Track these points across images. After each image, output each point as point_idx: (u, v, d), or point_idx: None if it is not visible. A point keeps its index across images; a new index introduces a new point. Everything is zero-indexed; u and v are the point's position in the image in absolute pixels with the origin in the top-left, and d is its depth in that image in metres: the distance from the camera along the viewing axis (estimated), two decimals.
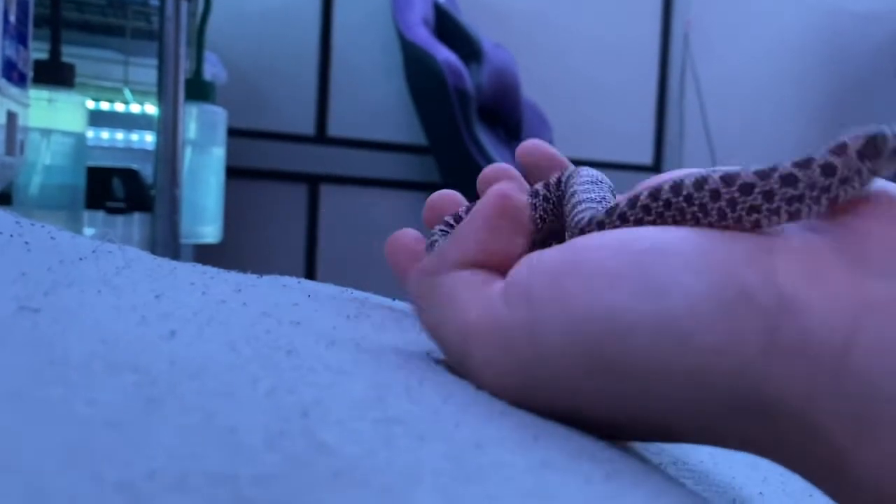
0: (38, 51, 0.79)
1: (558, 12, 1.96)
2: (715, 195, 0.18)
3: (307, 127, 1.82)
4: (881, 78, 2.15)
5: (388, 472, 0.12)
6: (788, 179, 0.18)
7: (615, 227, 0.20)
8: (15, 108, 0.68)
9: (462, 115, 1.51)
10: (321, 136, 1.82)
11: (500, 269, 0.20)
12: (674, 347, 0.16)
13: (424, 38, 1.58)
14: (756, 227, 0.18)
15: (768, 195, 0.18)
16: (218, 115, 1.03)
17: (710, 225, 0.18)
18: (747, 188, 0.18)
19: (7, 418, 0.13)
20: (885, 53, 2.16)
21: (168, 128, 0.84)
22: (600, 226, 0.20)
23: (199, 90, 0.98)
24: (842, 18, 2.14)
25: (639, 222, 0.19)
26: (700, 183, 0.19)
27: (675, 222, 0.19)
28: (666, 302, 0.17)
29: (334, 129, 1.83)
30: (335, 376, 0.17)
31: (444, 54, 1.53)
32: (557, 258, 0.19)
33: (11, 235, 0.24)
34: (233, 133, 1.15)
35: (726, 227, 0.18)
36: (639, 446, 0.23)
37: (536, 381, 0.18)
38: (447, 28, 1.68)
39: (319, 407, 0.14)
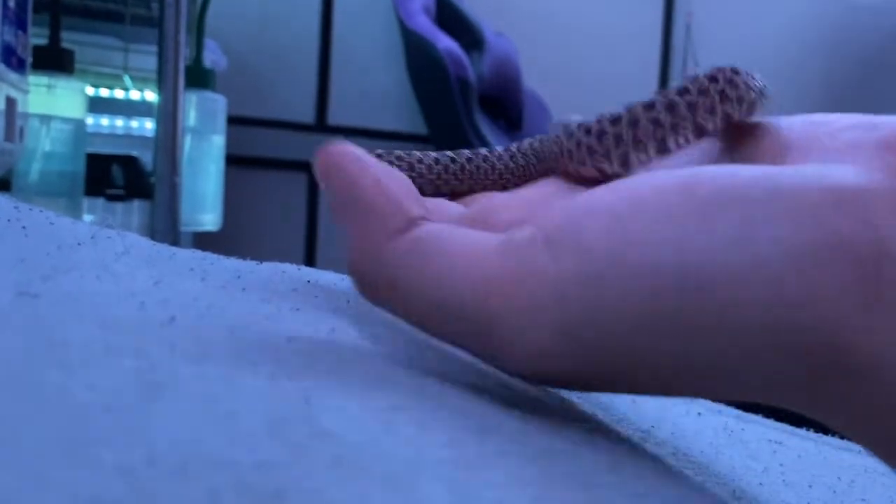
0: (38, 36, 0.79)
1: (560, 1, 1.95)
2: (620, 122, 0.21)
3: (307, 115, 1.82)
4: (884, 70, 2.15)
5: (390, 460, 0.12)
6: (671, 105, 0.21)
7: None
8: (14, 93, 0.68)
9: (463, 105, 1.51)
10: (321, 125, 1.82)
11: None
12: (759, 302, 0.15)
13: (426, 26, 1.58)
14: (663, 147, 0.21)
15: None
16: (218, 103, 1.02)
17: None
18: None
19: (5, 403, 0.13)
20: (888, 45, 2.16)
21: (168, 115, 0.84)
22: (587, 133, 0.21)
23: (199, 77, 0.98)
24: (845, 11, 2.13)
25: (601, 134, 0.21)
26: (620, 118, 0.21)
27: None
28: (749, 251, 0.15)
29: (334, 117, 1.83)
30: (336, 363, 0.17)
31: (445, 43, 1.53)
32: (609, 200, 0.16)
33: (9, 220, 0.24)
34: (233, 121, 1.15)
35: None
36: (639, 437, 0.23)
37: (585, 345, 0.16)
38: (448, 16, 1.67)
39: (321, 393, 0.14)
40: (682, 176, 0.16)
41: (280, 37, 1.78)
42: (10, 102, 0.66)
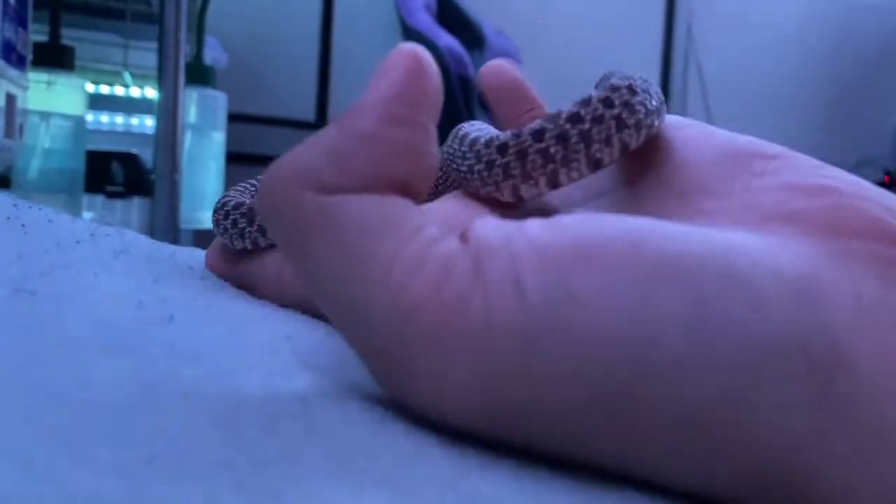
0: (38, 33, 0.79)
1: (561, 1, 1.95)
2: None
3: (307, 113, 1.82)
4: (884, 70, 2.15)
5: (387, 459, 0.12)
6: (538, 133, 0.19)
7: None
8: (14, 90, 0.68)
9: (464, 102, 1.51)
10: (322, 122, 1.82)
11: (413, 192, 0.15)
12: (706, 396, 0.13)
13: (426, 24, 1.58)
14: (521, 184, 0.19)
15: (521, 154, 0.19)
16: (218, 100, 1.02)
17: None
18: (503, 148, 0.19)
19: (3, 400, 0.13)
20: (889, 46, 2.16)
21: (168, 112, 0.84)
22: (501, 149, 0.19)
23: (200, 74, 0.98)
24: (846, 11, 2.13)
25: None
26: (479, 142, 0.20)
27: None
28: (700, 339, 0.13)
29: (335, 115, 1.83)
30: (334, 363, 0.17)
31: (446, 41, 1.53)
32: (549, 239, 0.14)
33: (8, 217, 0.24)
34: (233, 118, 1.15)
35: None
36: None
37: (518, 407, 0.13)
38: (449, 14, 1.67)
39: (317, 392, 0.14)
40: (629, 229, 0.14)
41: (280, 34, 1.78)
42: (10, 99, 0.66)
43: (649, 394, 0.13)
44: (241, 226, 0.23)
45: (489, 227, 0.15)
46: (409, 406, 0.14)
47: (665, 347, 0.13)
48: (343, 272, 0.14)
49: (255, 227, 0.23)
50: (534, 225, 0.14)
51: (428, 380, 0.13)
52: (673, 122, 0.20)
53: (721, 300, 0.13)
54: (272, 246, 0.23)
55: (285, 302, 0.22)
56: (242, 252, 0.24)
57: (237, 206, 0.24)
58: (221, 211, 0.25)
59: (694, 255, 0.14)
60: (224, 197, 0.25)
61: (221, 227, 0.24)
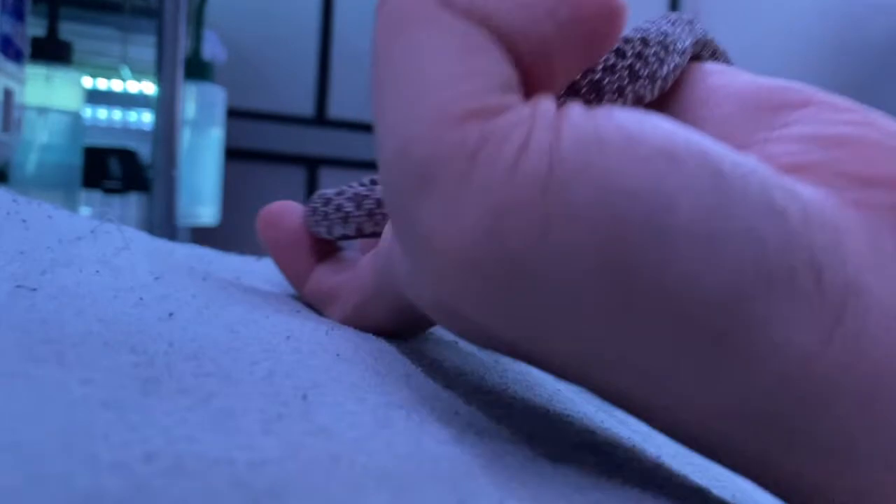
0: (36, 27, 0.79)
1: None
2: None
3: (307, 109, 1.81)
4: (891, 69, 2.15)
5: (388, 458, 0.12)
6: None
7: None
8: (11, 84, 0.67)
9: None
10: (321, 119, 1.82)
11: (521, 47, 0.14)
12: (721, 288, 0.12)
13: None
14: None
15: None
16: (217, 95, 1.02)
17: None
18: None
19: (2, 397, 0.13)
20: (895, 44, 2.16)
21: (166, 107, 0.84)
22: None
23: (198, 69, 0.98)
24: (851, 9, 2.13)
25: None
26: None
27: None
28: (728, 238, 0.12)
29: (334, 111, 1.83)
30: (334, 362, 0.16)
31: None
32: (598, 113, 0.13)
33: (8, 213, 0.24)
34: (231, 113, 1.15)
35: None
36: (640, 439, 0.23)
37: (524, 269, 0.13)
38: None
39: (318, 391, 0.14)
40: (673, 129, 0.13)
41: (280, 29, 1.77)
42: (8, 93, 0.66)
43: (655, 266, 0.12)
44: (346, 210, 0.23)
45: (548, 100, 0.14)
46: (409, 264, 0.14)
47: (681, 216, 0.12)
48: (408, 87, 0.14)
49: (364, 212, 0.23)
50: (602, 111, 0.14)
51: (442, 214, 0.13)
52: (701, 69, 0.19)
53: (743, 200, 0.13)
54: (375, 234, 0.23)
55: (362, 319, 0.22)
56: (332, 259, 0.24)
57: (341, 192, 0.23)
58: (320, 199, 0.24)
59: (727, 158, 0.13)
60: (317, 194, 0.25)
61: (320, 213, 0.23)
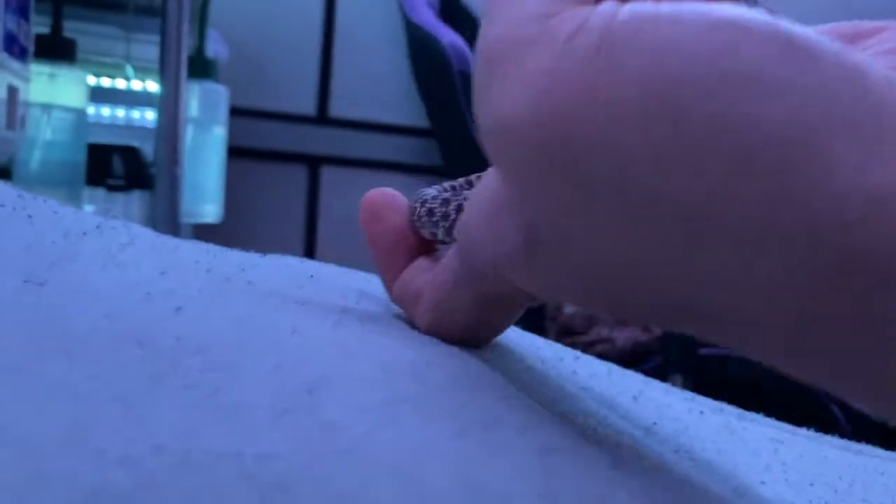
0: (40, 25, 0.79)
1: None
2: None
3: (309, 107, 1.81)
4: None
5: (395, 451, 0.12)
6: None
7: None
8: (16, 82, 0.67)
9: (465, 99, 1.50)
10: (323, 117, 1.82)
11: None
12: (784, 121, 0.12)
13: (429, 20, 1.58)
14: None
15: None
16: (219, 94, 1.02)
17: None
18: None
19: (9, 393, 0.13)
20: None
21: (169, 105, 0.84)
22: None
23: (201, 68, 0.98)
24: (860, 12, 2.13)
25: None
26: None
27: None
28: (796, 75, 0.12)
29: (336, 110, 1.83)
30: (341, 356, 0.16)
31: (448, 37, 1.53)
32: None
33: (14, 208, 0.24)
34: (234, 112, 1.15)
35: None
36: (641, 434, 0.23)
37: (579, 134, 0.13)
38: (452, 10, 1.67)
39: (325, 385, 0.14)
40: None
41: (283, 28, 1.77)
42: (12, 91, 0.66)
43: (713, 111, 0.12)
44: (453, 218, 0.22)
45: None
46: (484, 125, 0.15)
47: (743, 57, 0.12)
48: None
49: None
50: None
51: (506, 92, 0.14)
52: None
53: (814, 53, 0.13)
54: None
55: (443, 317, 0.21)
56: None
57: (446, 201, 0.23)
58: (438, 199, 0.23)
59: (797, 29, 0.13)
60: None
61: (439, 213, 0.23)
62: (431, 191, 0.24)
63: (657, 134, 0.13)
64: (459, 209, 0.22)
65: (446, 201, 0.23)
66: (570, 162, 0.13)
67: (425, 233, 0.23)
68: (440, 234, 0.23)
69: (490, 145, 0.15)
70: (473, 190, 0.20)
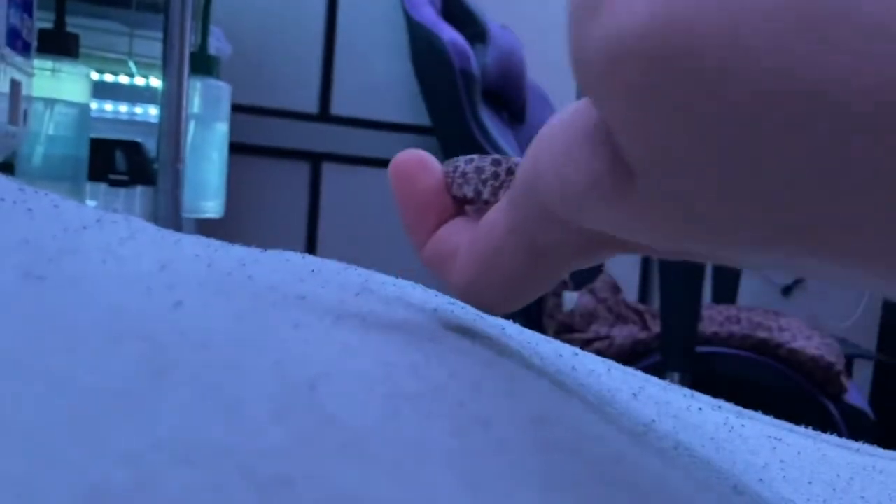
0: (43, 20, 0.79)
1: None
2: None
3: (310, 105, 1.82)
4: None
5: (396, 447, 0.12)
6: None
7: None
8: (19, 76, 0.67)
9: (466, 97, 1.50)
10: (324, 115, 1.82)
11: None
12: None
13: (430, 18, 1.58)
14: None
15: None
16: (222, 90, 1.02)
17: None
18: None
19: (10, 387, 0.13)
20: None
21: (172, 101, 0.84)
22: None
23: (204, 64, 0.98)
24: None
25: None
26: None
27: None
28: None
29: (338, 107, 1.83)
30: (341, 352, 0.16)
31: (449, 35, 1.53)
32: None
33: (14, 202, 0.24)
34: (236, 109, 1.15)
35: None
36: (641, 431, 0.23)
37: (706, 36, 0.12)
38: (453, 8, 1.67)
39: (326, 381, 0.14)
40: None
41: (285, 26, 1.78)
42: (15, 85, 0.66)
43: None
44: (500, 175, 0.22)
45: None
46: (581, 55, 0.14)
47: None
48: None
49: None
50: None
51: (611, 24, 0.13)
52: None
53: None
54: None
55: (489, 272, 0.21)
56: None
57: (481, 165, 0.23)
58: (486, 159, 0.23)
59: None
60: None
61: (489, 172, 0.23)
62: (465, 158, 0.24)
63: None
64: (510, 171, 0.22)
65: (497, 161, 0.23)
66: (694, 73, 0.13)
67: (468, 190, 0.23)
68: (486, 193, 0.22)
69: (594, 70, 0.14)
70: (542, 132, 0.19)
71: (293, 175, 1.80)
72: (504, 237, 0.21)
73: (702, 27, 0.12)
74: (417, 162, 0.24)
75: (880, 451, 0.34)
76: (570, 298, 1.47)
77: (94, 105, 0.88)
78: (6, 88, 0.65)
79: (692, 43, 0.12)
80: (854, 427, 1.24)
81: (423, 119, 1.74)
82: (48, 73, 0.80)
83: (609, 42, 0.13)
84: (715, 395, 0.34)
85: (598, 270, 1.63)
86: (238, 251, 0.26)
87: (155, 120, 0.93)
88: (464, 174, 0.23)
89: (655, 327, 1.41)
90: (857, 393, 1.36)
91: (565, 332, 1.44)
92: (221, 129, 1.03)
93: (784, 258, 0.15)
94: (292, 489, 0.11)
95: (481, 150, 1.47)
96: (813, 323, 1.56)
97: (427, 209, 0.24)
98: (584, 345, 1.36)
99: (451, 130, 1.58)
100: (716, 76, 0.12)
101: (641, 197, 0.16)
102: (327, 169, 1.80)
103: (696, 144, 0.13)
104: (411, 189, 0.24)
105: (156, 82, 1.06)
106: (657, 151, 0.14)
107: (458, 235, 0.23)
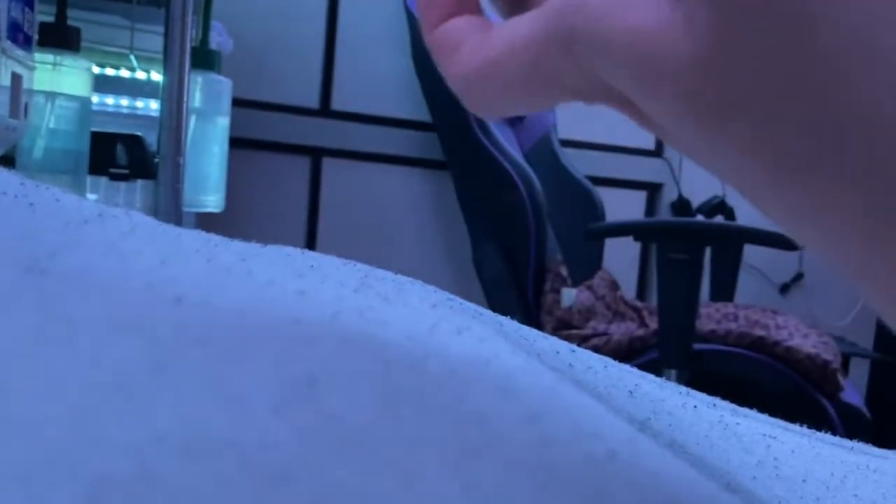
0: (44, 14, 0.79)
1: None
2: None
3: (311, 100, 1.81)
4: None
5: (394, 443, 0.12)
6: None
7: None
8: (20, 70, 0.67)
9: None
10: (325, 110, 1.82)
11: None
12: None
13: None
14: None
15: None
16: (223, 85, 1.02)
17: None
18: None
19: (13, 380, 0.13)
20: None
21: (173, 95, 0.84)
22: None
23: (205, 59, 0.98)
24: None
25: None
26: None
27: None
28: None
29: (338, 102, 1.83)
30: (341, 347, 0.17)
31: None
32: None
33: (16, 196, 0.24)
34: (237, 103, 1.15)
35: None
36: (637, 427, 0.23)
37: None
38: None
39: (326, 376, 0.14)
40: None
41: (286, 21, 1.77)
42: (16, 79, 0.66)
43: None
44: None
45: None
46: None
47: None
48: None
49: None
50: None
51: None
52: None
53: None
54: None
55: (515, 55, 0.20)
56: None
57: None
58: None
59: None
60: None
61: None
62: None
63: None
64: None
65: None
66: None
67: None
68: None
69: None
70: None
71: (293, 170, 1.80)
72: (519, 48, 0.20)
73: None
74: None
75: (874, 449, 0.34)
76: (569, 295, 1.47)
77: (95, 99, 0.88)
78: (7, 82, 0.65)
79: None
80: (850, 425, 1.25)
81: (424, 115, 1.73)
82: (49, 66, 0.80)
83: None
84: (711, 392, 0.34)
85: (596, 267, 1.63)
86: (238, 246, 0.26)
87: (156, 114, 0.93)
88: None
89: (653, 324, 1.41)
90: (853, 391, 1.36)
91: (563, 328, 1.44)
92: (222, 123, 1.03)
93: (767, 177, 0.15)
94: (291, 483, 0.11)
95: (481, 147, 1.47)
96: (810, 321, 1.56)
97: None
98: (582, 341, 1.36)
99: (451, 126, 1.58)
100: None
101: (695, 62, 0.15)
102: (327, 164, 1.80)
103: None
104: None
105: (157, 76, 1.06)
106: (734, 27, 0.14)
107: (469, 29, 0.23)
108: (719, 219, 1.96)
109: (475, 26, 0.23)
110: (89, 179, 0.87)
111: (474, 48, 0.22)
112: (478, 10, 0.24)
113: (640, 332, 1.36)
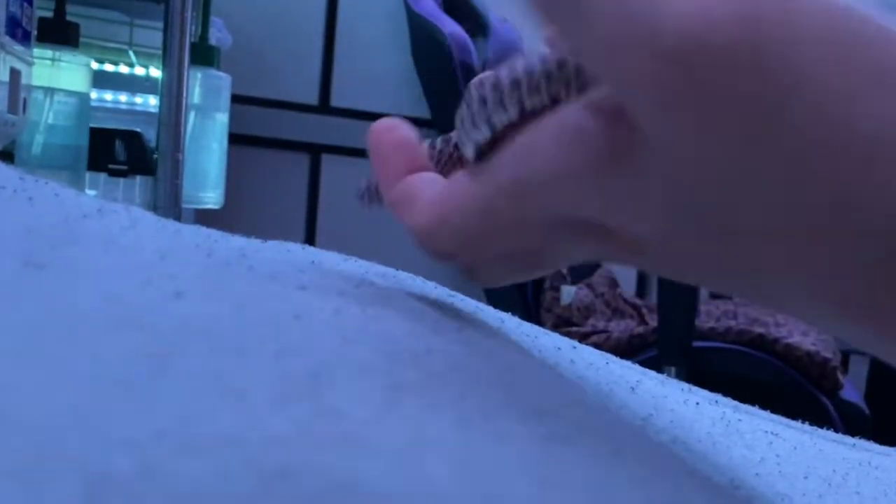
0: (43, 9, 0.79)
1: None
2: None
3: (311, 96, 1.81)
4: None
5: (397, 438, 0.12)
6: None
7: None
8: (19, 65, 0.67)
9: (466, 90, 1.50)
10: (324, 106, 1.82)
11: None
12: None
13: (431, 10, 1.57)
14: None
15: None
16: (222, 81, 1.02)
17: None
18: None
19: (12, 375, 0.13)
20: None
21: (172, 91, 0.84)
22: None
23: (204, 55, 0.98)
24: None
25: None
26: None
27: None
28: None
29: (338, 99, 1.82)
30: (342, 342, 0.17)
31: (450, 28, 1.52)
32: None
33: (15, 191, 0.24)
34: (236, 99, 1.14)
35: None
36: (639, 424, 0.23)
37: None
38: (455, 2, 1.66)
39: (327, 371, 0.14)
40: None
41: (286, 17, 1.77)
42: (15, 74, 0.66)
43: None
44: (514, 96, 0.22)
45: None
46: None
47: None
48: None
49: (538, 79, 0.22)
50: None
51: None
52: None
53: None
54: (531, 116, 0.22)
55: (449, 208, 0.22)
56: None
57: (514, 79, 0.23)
58: (486, 84, 0.23)
59: None
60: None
61: (478, 98, 0.23)
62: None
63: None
64: (517, 84, 0.22)
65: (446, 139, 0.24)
66: (749, 69, 0.13)
67: (466, 127, 0.24)
68: (484, 132, 0.23)
69: (639, 54, 0.14)
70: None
71: (293, 166, 1.80)
72: (471, 194, 0.22)
73: (769, 28, 0.13)
74: (395, 121, 0.27)
75: (876, 446, 0.34)
76: (568, 292, 1.47)
77: (93, 94, 0.88)
78: (6, 77, 0.64)
79: (756, 39, 0.13)
80: (849, 423, 1.25)
81: (423, 111, 1.73)
82: (48, 62, 0.80)
83: (669, 29, 0.14)
84: (710, 389, 0.34)
85: (596, 265, 1.63)
86: (238, 241, 0.26)
87: (155, 110, 0.93)
88: (471, 116, 0.24)
89: (652, 322, 1.41)
90: (852, 389, 1.36)
91: (563, 325, 1.44)
92: (221, 119, 1.03)
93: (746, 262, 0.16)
94: (293, 479, 0.11)
95: None
96: None
97: (398, 151, 0.26)
98: (582, 339, 1.36)
99: (450, 123, 1.58)
100: (769, 70, 0.13)
101: (637, 180, 0.17)
102: (327, 160, 1.80)
103: (711, 132, 0.14)
104: (388, 137, 0.26)
105: (156, 72, 1.06)
106: (665, 137, 0.15)
107: (425, 184, 0.24)
108: None
109: (427, 182, 0.25)
110: (88, 175, 0.87)
111: (429, 202, 0.23)
112: (428, 167, 0.26)
113: (640, 329, 1.36)
